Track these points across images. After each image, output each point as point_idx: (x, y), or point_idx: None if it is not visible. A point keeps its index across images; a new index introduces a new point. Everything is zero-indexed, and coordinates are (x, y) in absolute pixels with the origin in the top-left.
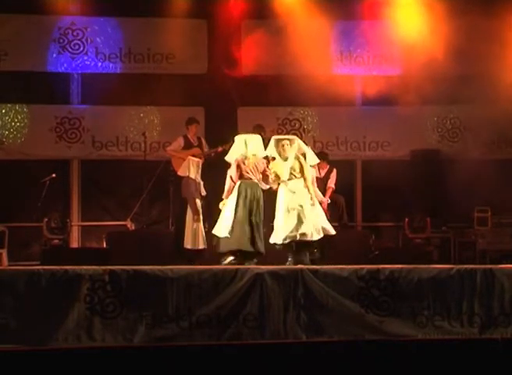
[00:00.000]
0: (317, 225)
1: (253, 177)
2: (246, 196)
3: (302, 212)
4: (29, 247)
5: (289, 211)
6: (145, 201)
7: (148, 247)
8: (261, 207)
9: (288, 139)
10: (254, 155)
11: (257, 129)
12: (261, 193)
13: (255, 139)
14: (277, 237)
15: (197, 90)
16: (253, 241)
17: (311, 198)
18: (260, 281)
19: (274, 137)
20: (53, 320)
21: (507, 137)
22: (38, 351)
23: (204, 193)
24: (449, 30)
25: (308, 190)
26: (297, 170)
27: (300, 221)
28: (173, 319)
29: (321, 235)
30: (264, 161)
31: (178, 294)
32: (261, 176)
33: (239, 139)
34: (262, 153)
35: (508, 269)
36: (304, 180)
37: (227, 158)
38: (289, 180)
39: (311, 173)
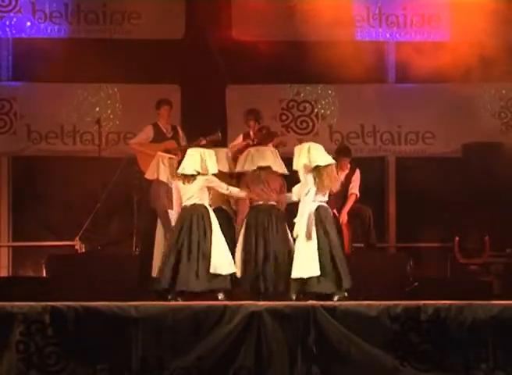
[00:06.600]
0: None
1: None
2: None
3: None
4: None
5: None
6: (100, 214)
7: (104, 276)
8: None
9: None
10: None
11: (251, 115)
12: None
13: None
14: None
15: (170, 61)
16: None
17: None
18: (257, 322)
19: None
20: None
21: None
22: None
23: None
24: None
25: None
26: None
27: None
28: (138, 374)
29: None
30: None
31: (145, 340)
32: None
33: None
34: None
35: None
36: None
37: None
38: None
39: None
